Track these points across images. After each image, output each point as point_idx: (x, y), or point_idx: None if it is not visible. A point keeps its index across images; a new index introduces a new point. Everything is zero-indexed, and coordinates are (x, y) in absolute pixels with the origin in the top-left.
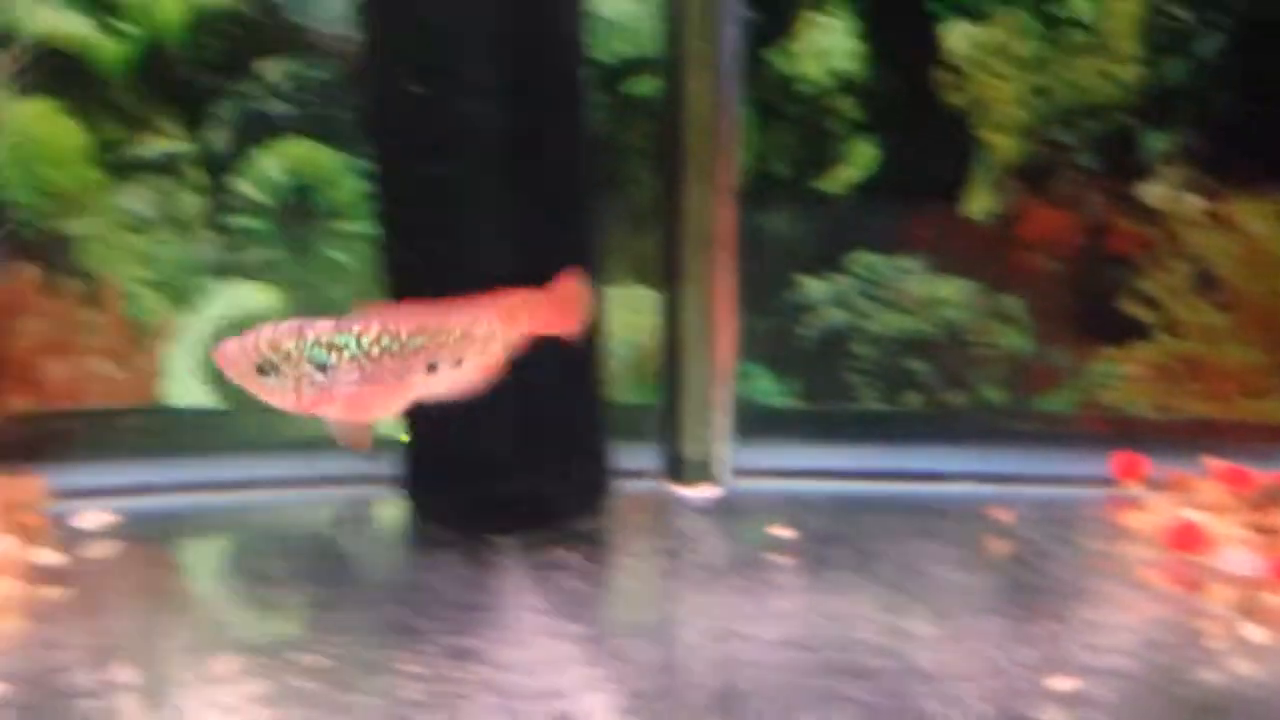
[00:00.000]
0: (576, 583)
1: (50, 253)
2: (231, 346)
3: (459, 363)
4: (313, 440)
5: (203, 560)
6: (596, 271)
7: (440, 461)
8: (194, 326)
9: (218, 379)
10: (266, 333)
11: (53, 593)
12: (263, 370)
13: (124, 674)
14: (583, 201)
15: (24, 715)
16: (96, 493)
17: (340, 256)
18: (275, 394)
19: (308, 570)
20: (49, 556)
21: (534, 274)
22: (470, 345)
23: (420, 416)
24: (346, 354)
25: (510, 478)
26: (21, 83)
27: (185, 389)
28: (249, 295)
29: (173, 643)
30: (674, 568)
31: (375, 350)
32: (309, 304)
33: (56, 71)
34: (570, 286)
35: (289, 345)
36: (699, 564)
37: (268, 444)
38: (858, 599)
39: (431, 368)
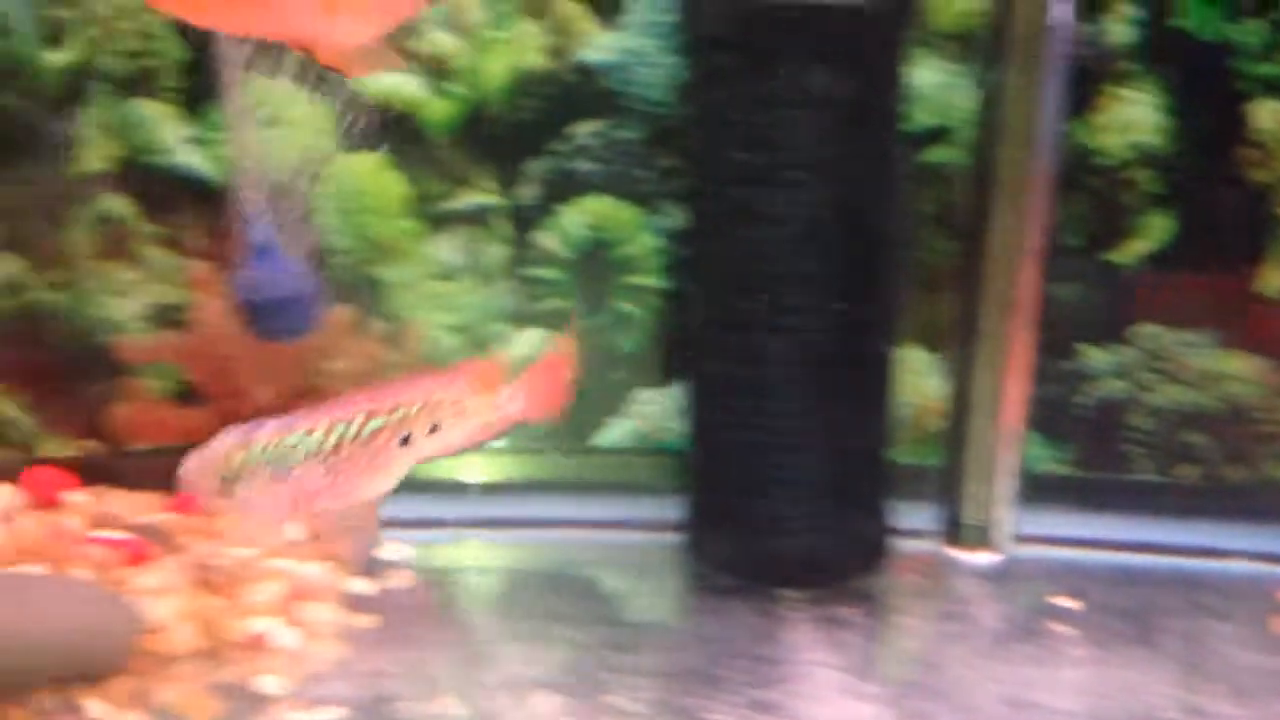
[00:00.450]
0: (863, 641)
1: (362, 296)
2: (192, 465)
3: (434, 429)
4: (589, 483)
5: (495, 596)
6: (894, 337)
7: (725, 510)
8: None
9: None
10: (220, 446)
11: (366, 621)
12: (227, 484)
13: (451, 706)
14: (893, 271)
15: None
16: (384, 524)
17: (630, 308)
18: (251, 505)
19: (595, 611)
20: (359, 585)
21: (845, 341)
22: (440, 411)
23: (703, 464)
24: (303, 452)
25: (795, 531)
26: (358, 139)
27: None
28: (540, 342)
29: (488, 677)
30: (959, 631)
31: (331, 443)
32: (597, 352)
33: (387, 128)
34: (556, 364)
35: (239, 457)
36: (983, 629)
37: (547, 485)
38: (1150, 674)
39: (405, 440)
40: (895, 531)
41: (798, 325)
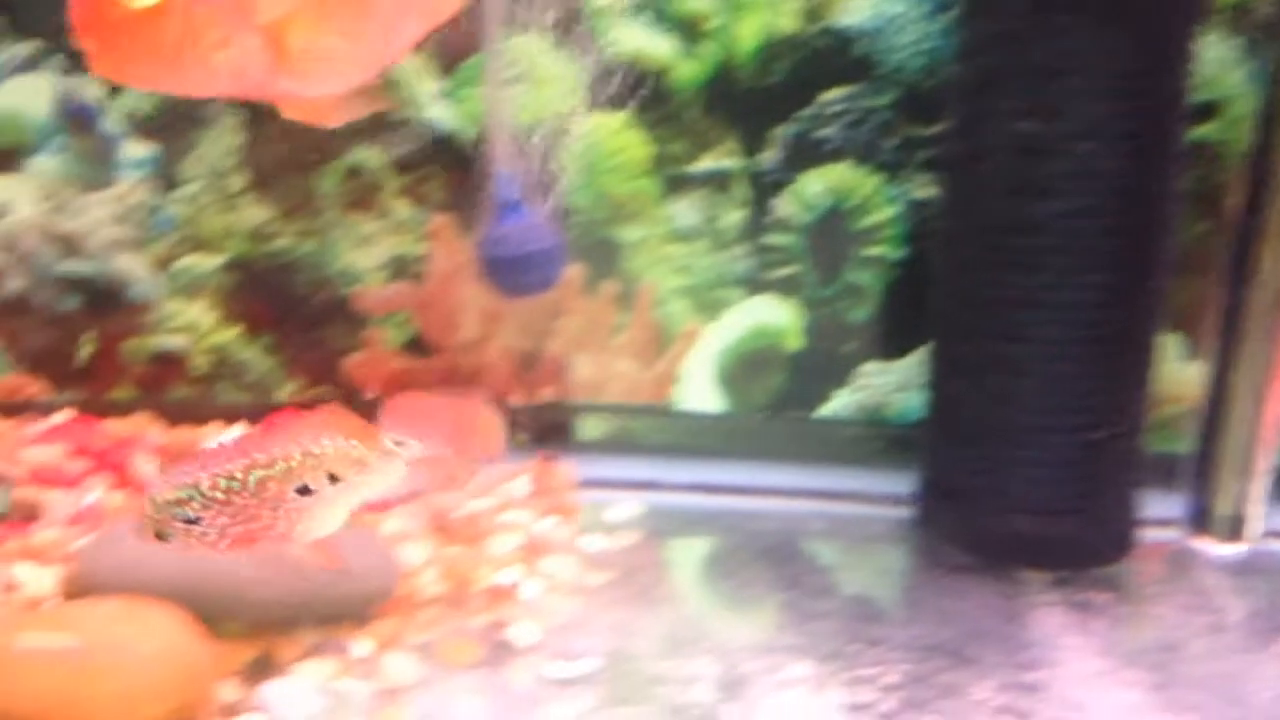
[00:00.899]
0: (1115, 628)
1: (597, 256)
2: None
3: (334, 479)
4: (816, 453)
5: (723, 560)
6: (1158, 320)
7: (965, 487)
8: (715, 334)
9: (730, 384)
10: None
11: (600, 577)
12: (161, 535)
13: (703, 666)
14: (1164, 251)
15: (615, 692)
16: (605, 484)
17: (861, 278)
18: (186, 546)
19: (827, 581)
20: (593, 542)
21: (1109, 321)
22: (330, 461)
23: (942, 439)
24: (197, 504)
25: (1040, 512)
26: (606, 98)
27: (697, 393)
28: (770, 310)
29: (733, 639)
30: (1212, 623)
31: (219, 494)
32: (823, 321)
33: (636, 87)
34: (477, 411)
35: (149, 510)
36: (1237, 623)
37: (772, 453)
38: None
39: (304, 490)
40: (1142, 518)
41: (1063, 302)
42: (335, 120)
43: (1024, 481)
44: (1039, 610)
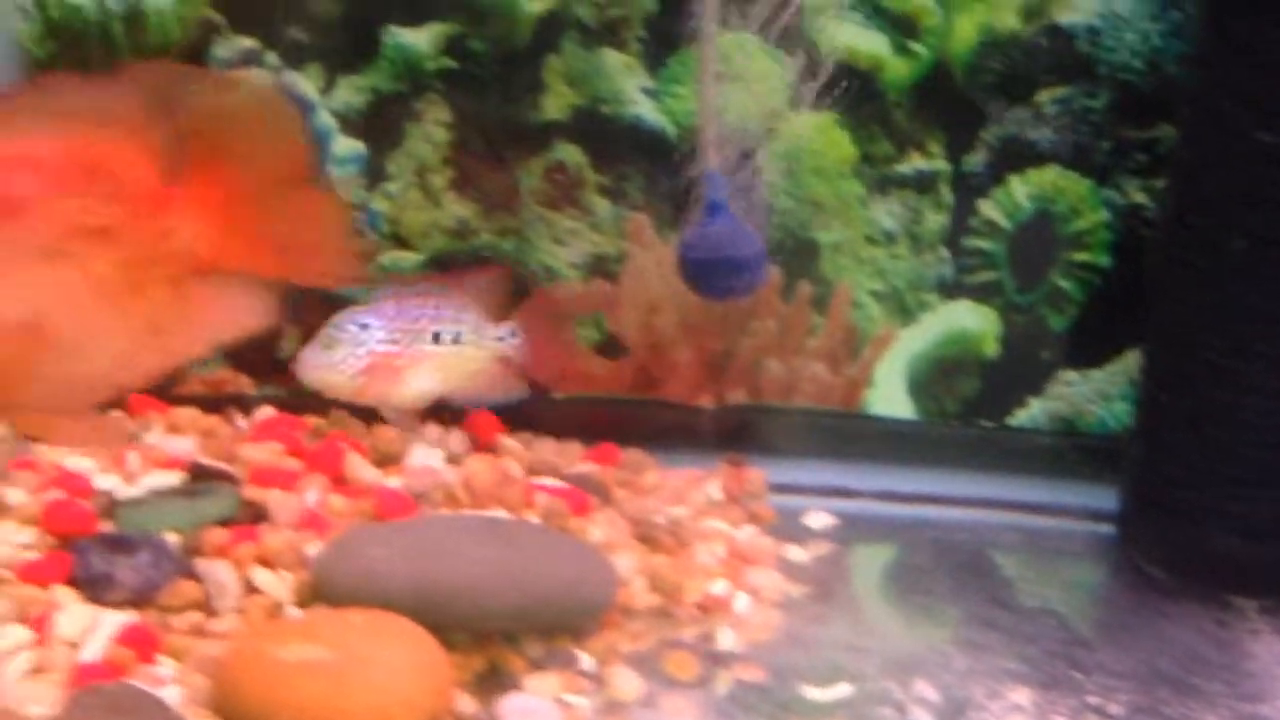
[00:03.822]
0: None
1: (794, 258)
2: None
3: (456, 340)
4: (1010, 462)
5: (919, 573)
6: None
7: (1177, 506)
8: (909, 339)
9: (922, 390)
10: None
11: (801, 589)
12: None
13: (924, 690)
14: None
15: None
16: (792, 489)
17: (1066, 285)
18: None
19: (1031, 599)
20: (793, 552)
21: None
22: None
23: (1151, 455)
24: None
25: (1262, 536)
26: (813, 96)
27: (888, 398)
28: (967, 315)
29: (948, 661)
30: None
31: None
32: (1021, 327)
33: (844, 86)
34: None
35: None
36: None
37: (964, 461)
38: None
39: (435, 338)
40: None
41: None
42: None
43: (1239, 501)
44: (1255, 638)
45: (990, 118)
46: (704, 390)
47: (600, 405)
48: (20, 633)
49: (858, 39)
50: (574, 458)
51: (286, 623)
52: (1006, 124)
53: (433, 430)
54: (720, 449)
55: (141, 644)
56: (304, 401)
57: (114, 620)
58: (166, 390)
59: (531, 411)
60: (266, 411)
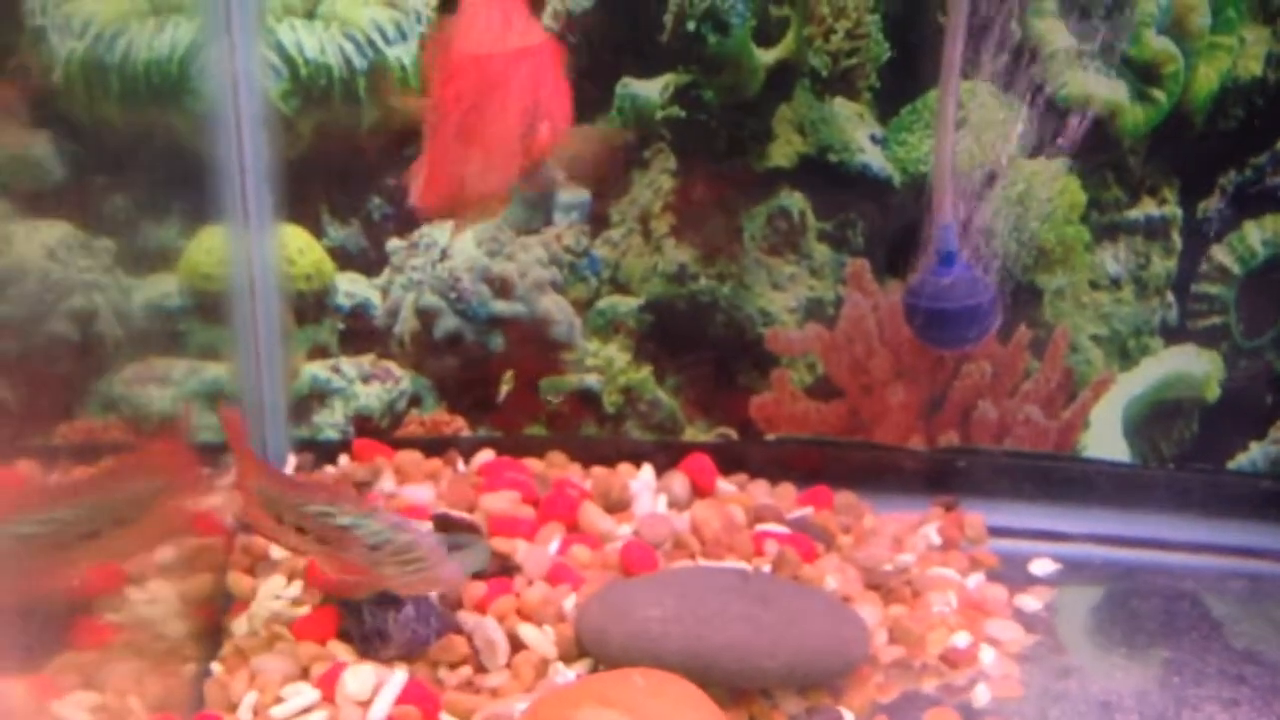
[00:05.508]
0: None
1: (1016, 302)
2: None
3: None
4: (1222, 506)
5: (1146, 619)
6: None
7: None
8: (1128, 383)
9: (1139, 434)
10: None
11: (1045, 640)
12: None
13: None
14: None
15: None
16: (1007, 532)
17: None
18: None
19: (1266, 650)
20: (1025, 601)
21: None
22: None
23: None
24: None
25: None
26: (1048, 144)
27: (1104, 441)
28: (1189, 359)
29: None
30: None
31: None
32: (1244, 372)
33: (1080, 133)
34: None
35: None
36: None
37: (1182, 505)
38: None
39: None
40: None
41: None
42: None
43: None
44: None
45: (1228, 163)
46: (916, 432)
47: (811, 446)
48: (309, 692)
49: (1096, 86)
50: (790, 501)
51: (574, 685)
52: (1245, 170)
53: (648, 472)
54: (930, 491)
55: (423, 702)
56: (519, 443)
57: (399, 679)
58: (387, 433)
59: (742, 452)
60: (485, 454)
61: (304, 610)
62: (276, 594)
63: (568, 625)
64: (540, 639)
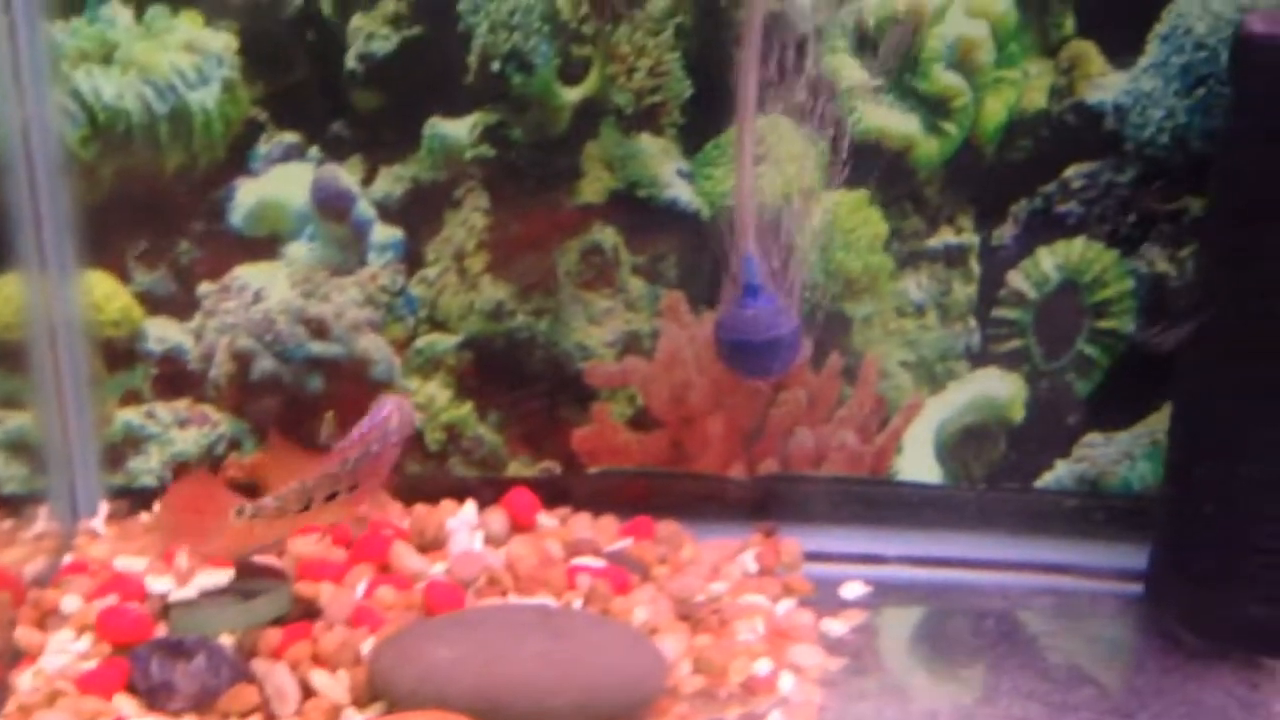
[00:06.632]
0: None
1: (826, 331)
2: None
3: None
4: (1030, 524)
5: (954, 640)
6: None
7: (1207, 569)
8: (937, 407)
9: (950, 456)
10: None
11: (848, 663)
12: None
13: None
14: None
15: None
16: (824, 557)
17: (1091, 351)
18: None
19: (1064, 664)
20: (832, 626)
21: None
22: None
23: (1181, 518)
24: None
25: None
26: (845, 176)
27: (916, 464)
28: (994, 383)
29: None
30: None
31: None
32: (1047, 393)
33: (875, 165)
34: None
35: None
36: None
37: (992, 524)
38: None
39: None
40: None
41: None
42: None
43: (1269, 568)
44: None
45: (1019, 192)
46: (735, 461)
47: (633, 478)
48: None
49: (890, 120)
50: (611, 533)
51: None
52: (1035, 198)
53: (469, 509)
54: (752, 519)
55: None
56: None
57: None
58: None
59: (566, 485)
60: None
61: (91, 664)
62: (63, 648)
63: (363, 669)
64: (332, 685)
